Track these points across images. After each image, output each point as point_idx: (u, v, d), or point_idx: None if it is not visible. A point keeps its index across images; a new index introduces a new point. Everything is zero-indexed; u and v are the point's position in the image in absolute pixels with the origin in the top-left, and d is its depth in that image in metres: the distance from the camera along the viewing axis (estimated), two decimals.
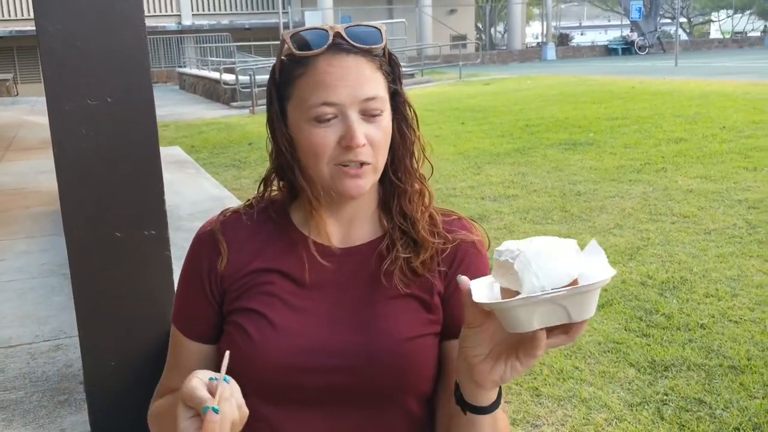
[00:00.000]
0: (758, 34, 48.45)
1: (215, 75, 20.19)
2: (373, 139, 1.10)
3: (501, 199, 6.63)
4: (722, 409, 2.96)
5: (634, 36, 36.73)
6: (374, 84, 1.11)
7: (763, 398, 3.01)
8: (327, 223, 1.18)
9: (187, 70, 26.73)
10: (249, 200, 1.25)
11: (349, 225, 1.19)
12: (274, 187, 1.23)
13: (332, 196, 1.14)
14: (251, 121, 13.62)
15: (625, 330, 3.78)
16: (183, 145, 10.21)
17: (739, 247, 4.86)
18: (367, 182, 1.12)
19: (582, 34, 63.47)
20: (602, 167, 7.59)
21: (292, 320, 1.12)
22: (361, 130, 1.09)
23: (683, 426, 2.87)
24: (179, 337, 1.21)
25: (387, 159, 1.15)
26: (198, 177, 7.21)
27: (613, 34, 46.74)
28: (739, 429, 2.82)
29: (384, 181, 1.19)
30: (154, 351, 2.01)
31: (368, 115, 1.10)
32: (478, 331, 0.98)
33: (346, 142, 1.08)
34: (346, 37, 1.10)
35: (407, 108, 1.18)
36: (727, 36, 47.07)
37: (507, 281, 0.94)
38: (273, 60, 1.17)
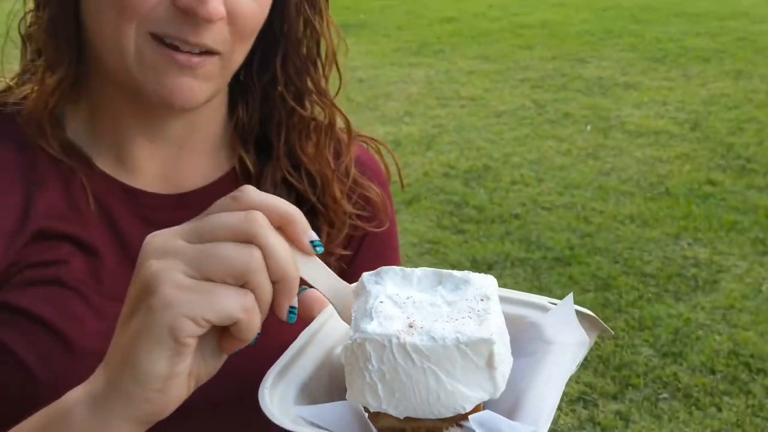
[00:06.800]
0: None
1: None
2: (240, 12, 0.62)
3: None
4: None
5: None
6: None
7: (595, 291, 2.87)
8: (136, 145, 0.69)
9: None
10: None
11: (177, 155, 0.71)
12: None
13: (143, 98, 0.64)
14: None
15: (439, 227, 3.51)
16: None
17: (532, 128, 4.76)
18: (207, 86, 0.65)
19: None
20: (379, 51, 7.24)
21: (101, 336, 0.59)
22: None
23: None
24: None
25: (254, 54, 0.69)
26: None
27: None
28: None
29: (249, 90, 0.70)
30: None
31: None
32: None
33: (188, 4, 0.55)
34: None
35: None
36: None
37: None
38: None
